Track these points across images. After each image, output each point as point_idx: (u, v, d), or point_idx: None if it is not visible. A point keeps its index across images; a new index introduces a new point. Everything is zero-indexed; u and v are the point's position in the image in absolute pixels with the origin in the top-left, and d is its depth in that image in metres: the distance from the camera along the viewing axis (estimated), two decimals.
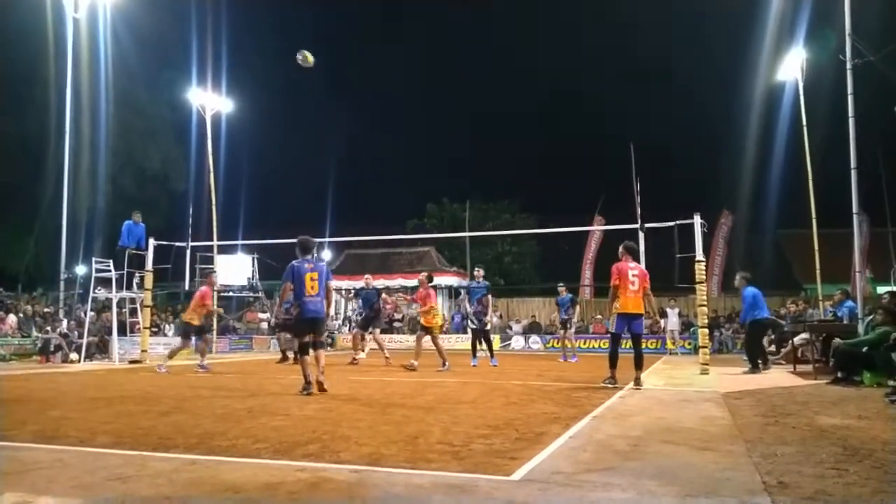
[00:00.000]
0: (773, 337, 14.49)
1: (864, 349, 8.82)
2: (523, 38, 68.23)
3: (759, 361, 11.53)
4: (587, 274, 27.60)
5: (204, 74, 22.91)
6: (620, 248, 8.78)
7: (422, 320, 12.28)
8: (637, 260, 9.27)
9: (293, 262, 8.05)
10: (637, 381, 8.49)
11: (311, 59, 10.02)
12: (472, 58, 71.11)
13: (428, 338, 12.16)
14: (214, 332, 19.29)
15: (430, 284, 12.32)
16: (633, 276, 8.45)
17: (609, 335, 9.12)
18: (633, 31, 59.43)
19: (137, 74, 31.52)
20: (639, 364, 8.60)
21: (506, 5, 67.90)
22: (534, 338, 23.19)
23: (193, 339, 11.93)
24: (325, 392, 7.51)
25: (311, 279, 7.87)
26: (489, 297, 13.35)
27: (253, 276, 23.86)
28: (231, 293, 24.10)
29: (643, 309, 8.52)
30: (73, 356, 14.34)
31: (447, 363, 11.68)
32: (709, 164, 44.27)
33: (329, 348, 22.01)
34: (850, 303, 12.94)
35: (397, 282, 26.33)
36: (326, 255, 30.73)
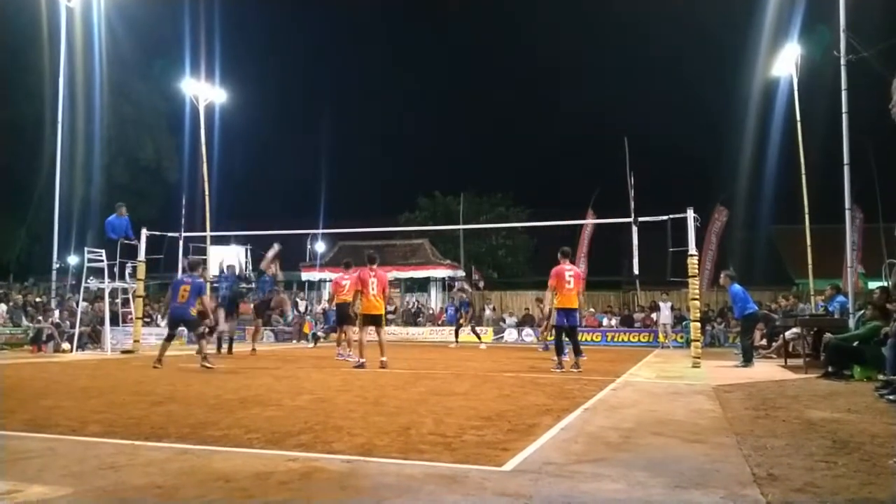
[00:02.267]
0: (764, 331, 14.57)
1: (855, 344, 8.90)
2: (519, 32, 68.17)
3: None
4: (581, 268, 27.66)
5: (197, 65, 22.82)
6: (558, 253, 10.39)
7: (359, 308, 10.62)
8: (573, 262, 11.34)
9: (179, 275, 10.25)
10: (576, 366, 9.82)
11: None
12: (466, 51, 71.02)
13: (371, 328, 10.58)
14: None
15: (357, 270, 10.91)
16: (569, 276, 10.05)
17: (554, 329, 10.63)
18: (630, 27, 59.43)
19: (131, 64, 31.40)
20: (577, 350, 10.10)
21: (505, 4, 67.80)
22: (527, 330, 23.21)
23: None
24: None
25: (185, 290, 10.22)
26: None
27: (246, 267, 23.81)
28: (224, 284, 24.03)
29: (577, 304, 10.21)
30: (65, 346, 14.31)
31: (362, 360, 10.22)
32: (703, 160, 44.31)
33: (323, 340, 21.97)
34: (841, 298, 13.03)
35: (392, 274, 26.32)
36: (320, 246, 30.70)
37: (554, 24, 64.87)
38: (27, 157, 28.07)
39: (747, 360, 11.35)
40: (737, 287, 11.94)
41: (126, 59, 30.18)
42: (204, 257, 17.71)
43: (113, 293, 15.02)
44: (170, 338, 10.69)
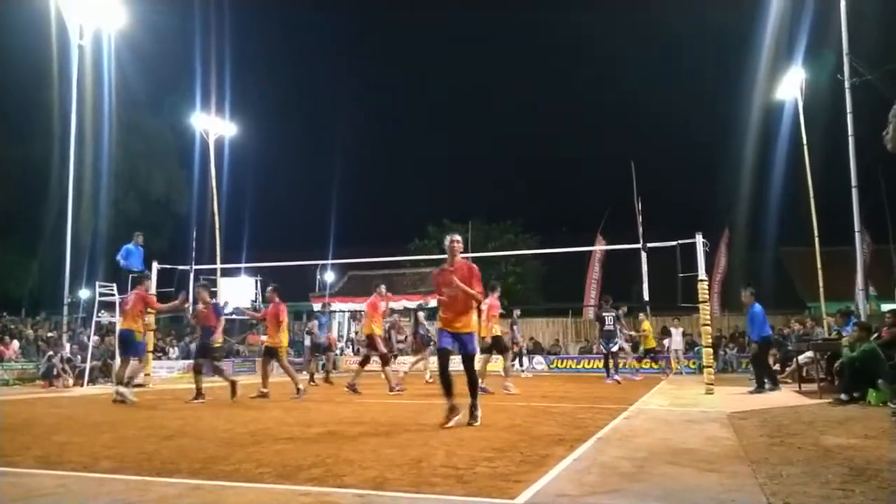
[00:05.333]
0: (777, 355, 14.44)
1: (858, 364, 8.86)
2: (524, 58, 68.79)
3: (766, 381, 11.47)
4: (591, 294, 27.54)
5: (207, 99, 23.13)
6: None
7: (268, 341, 11.00)
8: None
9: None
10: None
11: None
12: (472, 78, 71.62)
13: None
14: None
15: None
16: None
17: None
18: (635, 51, 59.90)
19: (141, 100, 31.88)
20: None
21: (505, 25, 68.58)
22: (538, 358, 23.07)
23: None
24: None
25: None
26: None
27: (256, 299, 23.86)
28: (234, 316, 24.10)
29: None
30: (69, 381, 14.26)
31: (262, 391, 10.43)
32: (710, 183, 44.38)
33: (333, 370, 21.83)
34: (861, 320, 12.92)
35: (401, 303, 26.29)
36: (329, 276, 30.74)
37: (558, 50, 65.51)
38: (38, 192, 28.40)
39: (760, 387, 11.23)
40: (759, 307, 11.86)
41: (136, 94, 30.68)
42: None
43: None
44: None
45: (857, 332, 9.45)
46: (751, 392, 11.16)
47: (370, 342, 11.81)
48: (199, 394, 9.84)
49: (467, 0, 69.68)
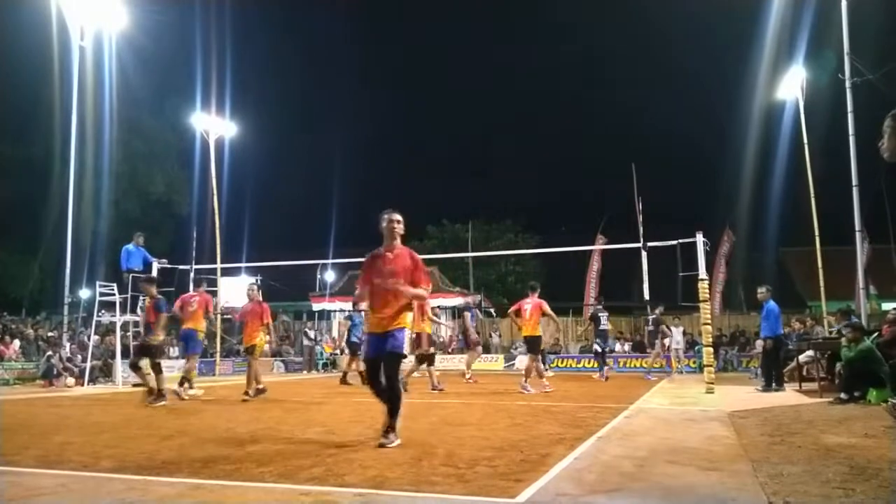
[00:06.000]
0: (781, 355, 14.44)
1: (856, 363, 8.87)
2: (525, 58, 68.80)
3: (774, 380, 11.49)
4: (591, 293, 27.56)
5: (208, 99, 23.14)
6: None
7: (247, 340, 10.53)
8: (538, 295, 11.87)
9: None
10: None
11: None
12: (474, 77, 71.67)
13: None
14: (217, 355, 19.30)
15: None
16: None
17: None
18: (636, 50, 59.91)
19: (142, 100, 31.81)
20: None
21: (505, 24, 68.59)
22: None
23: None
24: None
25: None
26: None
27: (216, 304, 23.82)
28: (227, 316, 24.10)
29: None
30: (69, 381, 14.25)
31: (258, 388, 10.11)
32: (711, 182, 44.37)
33: (332, 370, 21.90)
34: (855, 319, 12.91)
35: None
36: (329, 276, 30.74)
37: (558, 52, 65.52)
38: (39, 192, 28.40)
39: (768, 385, 11.22)
40: (773, 305, 11.92)
41: (137, 95, 30.59)
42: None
43: (124, 326, 15.07)
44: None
45: (850, 332, 9.45)
46: (759, 390, 11.16)
47: (420, 340, 11.77)
48: (153, 393, 9.27)
49: (468, 0, 69.69)
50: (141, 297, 13.05)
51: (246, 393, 9.89)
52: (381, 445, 5.05)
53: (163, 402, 9.17)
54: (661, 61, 57.78)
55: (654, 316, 16.50)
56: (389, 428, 5.19)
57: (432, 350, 12.40)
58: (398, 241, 5.57)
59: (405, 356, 5.67)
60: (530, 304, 11.67)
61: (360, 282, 5.63)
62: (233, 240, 30.50)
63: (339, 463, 4.48)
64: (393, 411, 5.23)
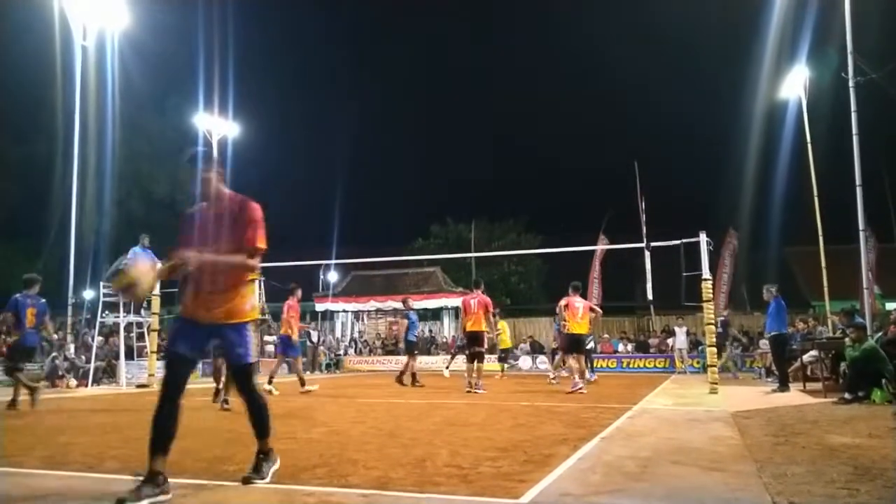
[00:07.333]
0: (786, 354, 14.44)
1: (860, 363, 8.87)
2: (528, 58, 68.76)
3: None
4: (594, 293, 27.53)
5: (210, 99, 23.17)
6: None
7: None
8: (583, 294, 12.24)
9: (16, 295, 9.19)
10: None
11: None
12: (476, 76, 71.64)
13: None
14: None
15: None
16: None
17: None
18: (639, 50, 59.84)
19: (145, 100, 31.93)
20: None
21: (510, 27, 68.55)
22: (541, 357, 23.05)
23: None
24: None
25: (31, 314, 9.04)
26: None
27: (259, 299, 23.87)
28: None
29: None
30: (72, 382, 14.28)
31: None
32: (714, 182, 44.30)
33: (336, 371, 22.05)
34: (859, 319, 12.89)
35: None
36: (332, 276, 30.78)
37: (562, 51, 65.48)
38: (42, 193, 28.48)
39: (783, 385, 11.18)
40: (777, 303, 11.93)
41: (140, 95, 30.69)
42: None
43: (128, 327, 15.12)
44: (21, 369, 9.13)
45: (854, 332, 9.45)
46: (773, 391, 11.14)
47: (478, 339, 11.64)
48: (17, 398, 8.77)
49: (469, 0, 69.68)
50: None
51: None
52: (249, 481, 3.78)
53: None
54: (664, 60, 57.80)
55: (722, 318, 16.21)
56: (260, 455, 3.93)
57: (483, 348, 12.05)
58: (221, 189, 3.90)
59: (249, 363, 3.88)
60: (581, 303, 11.60)
61: (178, 250, 3.74)
62: None
63: (343, 463, 4.48)
64: (263, 432, 3.99)
